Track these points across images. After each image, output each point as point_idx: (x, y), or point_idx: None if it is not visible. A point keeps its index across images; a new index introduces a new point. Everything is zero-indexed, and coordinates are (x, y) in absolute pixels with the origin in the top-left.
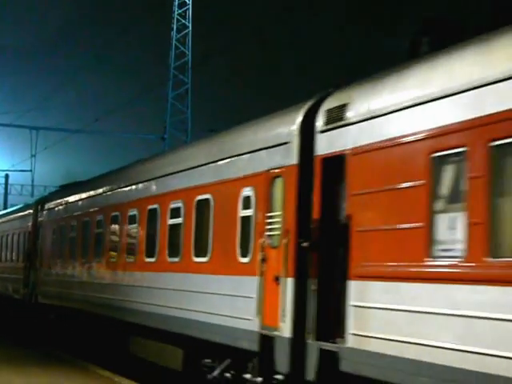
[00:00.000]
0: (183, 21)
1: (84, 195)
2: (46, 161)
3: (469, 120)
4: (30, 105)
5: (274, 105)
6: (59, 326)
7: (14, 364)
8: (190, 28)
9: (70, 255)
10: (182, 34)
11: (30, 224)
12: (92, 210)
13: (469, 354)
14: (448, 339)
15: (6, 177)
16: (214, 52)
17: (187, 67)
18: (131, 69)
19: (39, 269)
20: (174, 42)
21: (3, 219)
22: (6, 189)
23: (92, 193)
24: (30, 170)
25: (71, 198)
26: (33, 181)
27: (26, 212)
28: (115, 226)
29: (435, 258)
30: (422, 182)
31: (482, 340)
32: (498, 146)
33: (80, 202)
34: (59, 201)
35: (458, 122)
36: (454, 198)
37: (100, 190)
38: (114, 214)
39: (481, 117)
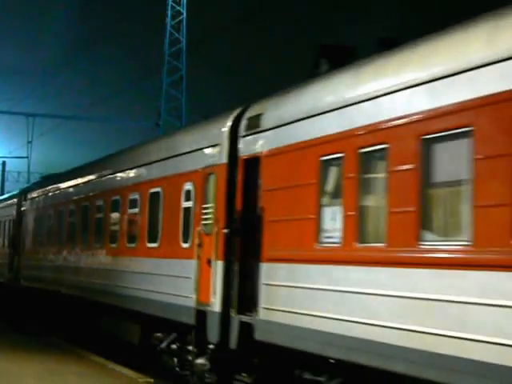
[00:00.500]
0: (178, 7)
1: (59, 186)
2: (43, 148)
3: (344, 131)
4: (26, 92)
5: (267, 89)
6: (40, 307)
7: (8, 351)
8: (185, 15)
9: (48, 242)
10: (177, 20)
11: (14, 212)
12: (66, 200)
13: (343, 322)
14: (329, 310)
15: (3, 164)
16: (208, 38)
17: (182, 53)
18: (125, 56)
19: (22, 254)
20: (168, 28)
21: None
22: (2, 176)
23: (66, 184)
24: (27, 157)
25: (49, 189)
26: (29, 167)
27: (11, 201)
28: (85, 216)
29: (322, 243)
30: (313, 181)
31: (352, 310)
32: (365, 152)
33: (56, 193)
34: (39, 191)
35: (337, 133)
36: (335, 194)
37: (73, 183)
38: (84, 204)
39: (353, 129)
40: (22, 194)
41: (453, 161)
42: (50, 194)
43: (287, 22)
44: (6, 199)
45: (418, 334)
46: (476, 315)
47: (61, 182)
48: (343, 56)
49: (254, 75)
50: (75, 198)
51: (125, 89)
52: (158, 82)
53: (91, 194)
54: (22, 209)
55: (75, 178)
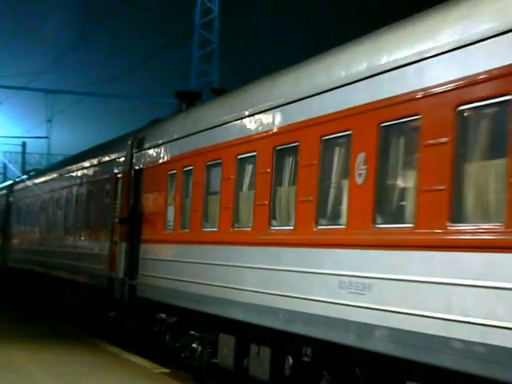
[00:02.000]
0: None
1: (36, 182)
2: (64, 126)
3: (176, 156)
4: (43, 66)
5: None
6: (23, 284)
7: (16, 340)
8: None
9: (25, 228)
10: None
11: (3, 203)
12: (38, 194)
13: (176, 281)
14: (172, 274)
15: (23, 145)
16: (241, 7)
17: (214, 25)
18: (151, 26)
19: (10, 239)
20: None
21: None
22: (23, 157)
23: (40, 180)
24: (47, 137)
25: (28, 183)
26: (49, 149)
27: (2, 192)
28: (49, 207)
29: (167, 230)
30: (163, 187)
31: (181, 273)
32: (185, 171)
33: (32, 188)
34: (22, 185)
35: (176, 156)
36: (173, 198)
37: (44, 179)
38: (47, 197)
39: (180, 155)
40: (10, 187)
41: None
42: (28, 187)
43: None
44: None
45: (196, 284)
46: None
47: (37, 178)
48: (193, 99)
49: (288, 47)
50: (44, 192)
51: (149, 62)
52: (188, 54)
53: (54, 189)
54: (10, 199)
55: (46, 175)
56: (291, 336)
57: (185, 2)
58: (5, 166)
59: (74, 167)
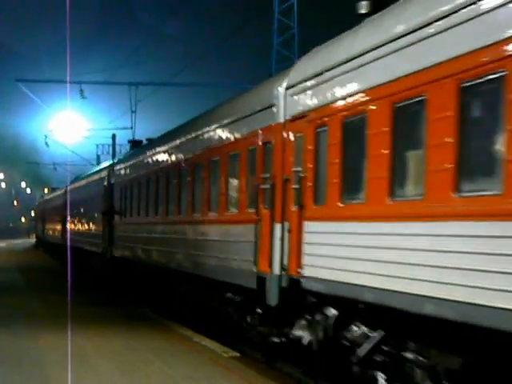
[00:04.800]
0: None
1: (76, 186)
2: (144, 115)
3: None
4: (121, 61)
5: None
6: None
7: (91, 326)
8: None
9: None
10: None
11: (63, 200)
12: (77, 193)
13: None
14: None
15: (113, 137)
16: None
17: (293, 10)
18: (226, 8)
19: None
20: None
21: (54, 195)
22: (113, 149)
23: (77, 185)
24: (131, 128)
25: (75, 185)
26: (134, 138)
27: (59, 192)
28: (81, 203)
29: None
30: (125, 194)
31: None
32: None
33: (75, 188)
34: (73, 186)
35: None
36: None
37: (78, 185)
38: (79, 196)
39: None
40: (66, 188)
41: None
42: (76, 188)
43: None
44: (57, 192)
45: None
46: None
47: (76, 183)
48: (138, 143)
49: None
50: (76, 193)
51: (225, 42)
52: (263, 38)
53: (81, 191)
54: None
55: (79, 181)
56: None
57: None
58: (98, 158)
59: (88, 179)
